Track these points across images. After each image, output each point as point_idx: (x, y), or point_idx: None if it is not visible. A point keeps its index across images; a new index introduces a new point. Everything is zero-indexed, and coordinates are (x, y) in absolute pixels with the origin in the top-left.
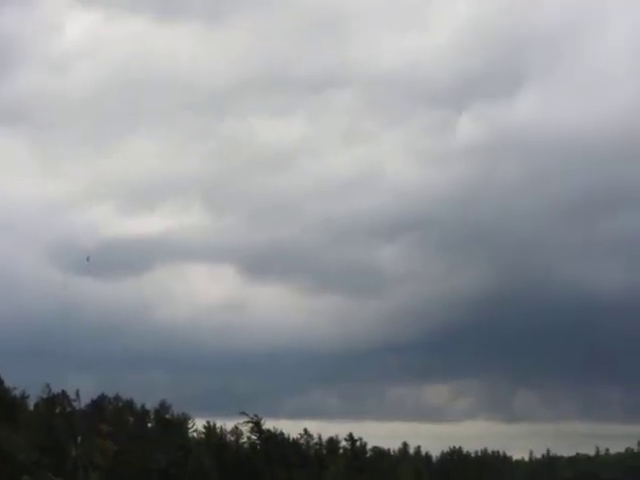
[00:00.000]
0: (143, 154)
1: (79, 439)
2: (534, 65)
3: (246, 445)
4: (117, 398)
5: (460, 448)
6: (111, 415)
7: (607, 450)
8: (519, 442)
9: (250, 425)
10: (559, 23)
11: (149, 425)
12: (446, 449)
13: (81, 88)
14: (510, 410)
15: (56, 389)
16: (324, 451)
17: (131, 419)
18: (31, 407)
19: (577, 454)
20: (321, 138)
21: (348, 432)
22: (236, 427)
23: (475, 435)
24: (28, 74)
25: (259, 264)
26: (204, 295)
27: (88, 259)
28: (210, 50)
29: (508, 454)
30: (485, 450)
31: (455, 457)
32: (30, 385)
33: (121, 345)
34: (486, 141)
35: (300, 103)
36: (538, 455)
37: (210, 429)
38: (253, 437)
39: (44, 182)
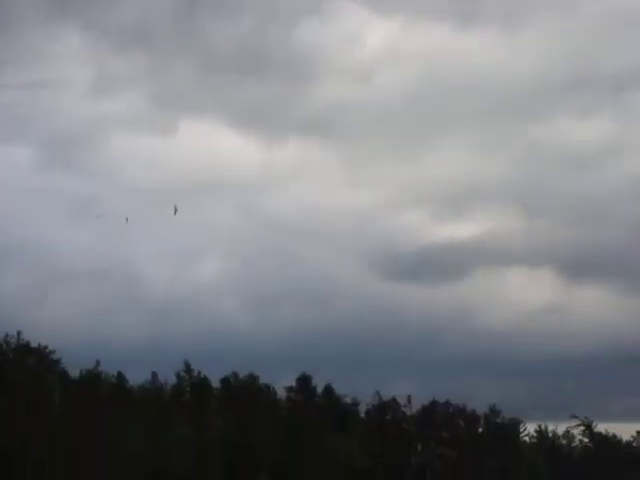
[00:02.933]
0: (451, 160)
1: (419, 446)
2: None
3: (578, 448)
4: (447, 404)
5: None
6: (442, 421)
7: None
8: None
9: (581, 428)
10: None
11: (480, 430)
12: None
13: (384, 97)
14: None
15: (385, 395)
16: None
17: (462, 424)
18: (362, 415)
19: None
20: (629, 137)
21: None
22: (567, 431)
23: None
24: (331, 85)
25: (576, 267)
26: (523, 299)
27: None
28: (511, 54)
29: None
30: None
31: None
32: (359, 392)
33: (443, 350)
34: None
35: (605, 102)
36: None
37: (542, 433)
38: (585, 440)
39: (355, 191)
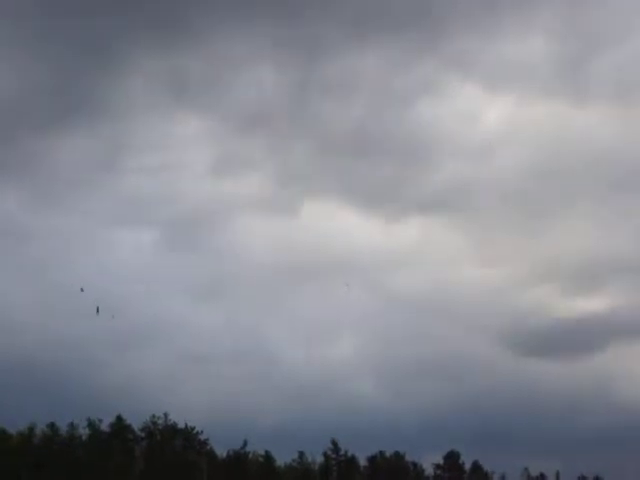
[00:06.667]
0: (576, 234)
1: None
2: None
3: None
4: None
5: None
6: None
7: None
8: None
9: None
10: None
11: None
12: None
13: (504, 173)
14: None
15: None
16: None
17: None
18: None
19: None
20: None
21: None
22: None
23: None
24: (450, 163)
25: None
26: None
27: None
28: (627, 127)
29: None
30: None
31: None
32: (504, 469)
33: (583, 425)
34: None
35: None
36: None
37: None
38: None
39: (482, 268)
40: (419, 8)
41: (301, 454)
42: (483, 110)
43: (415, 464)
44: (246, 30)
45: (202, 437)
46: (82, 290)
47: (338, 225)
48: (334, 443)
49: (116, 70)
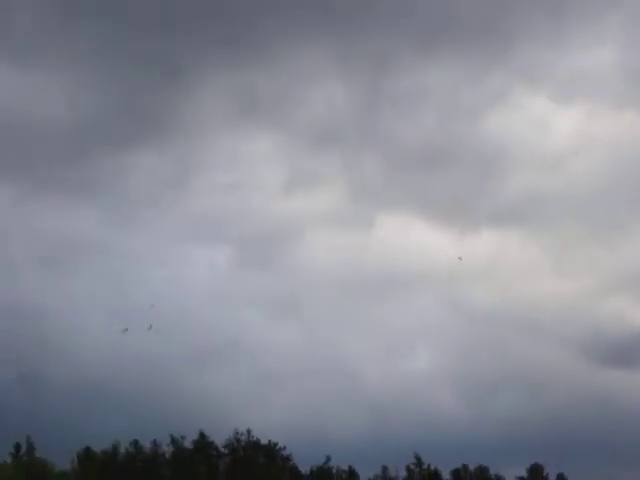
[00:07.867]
0: None
1: None
2: None
3: None
4: None
5: None
6: None
7: None
8: None
9: None
10: None
11: None
12: None
13: (577, 184)
14: None
15: None
16: None
17: None
18: None
19: None
20: None
21: None
22: None
23: None
24: (522, 175)
25: None
26: None
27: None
28: None
29: None
30: None
31: None
32: None
33: None
34: None
35: None
36: None
37: None
38: None
39: (558, 279)
40: (487, 21)
41: (384, 468)
42: (554, 121)
43: (499, 477)
44: (314, 46)
45: (285, 453)
46: (153, 307)
47: (412, 238)
48: (417, 457)
49: (187, 87)
